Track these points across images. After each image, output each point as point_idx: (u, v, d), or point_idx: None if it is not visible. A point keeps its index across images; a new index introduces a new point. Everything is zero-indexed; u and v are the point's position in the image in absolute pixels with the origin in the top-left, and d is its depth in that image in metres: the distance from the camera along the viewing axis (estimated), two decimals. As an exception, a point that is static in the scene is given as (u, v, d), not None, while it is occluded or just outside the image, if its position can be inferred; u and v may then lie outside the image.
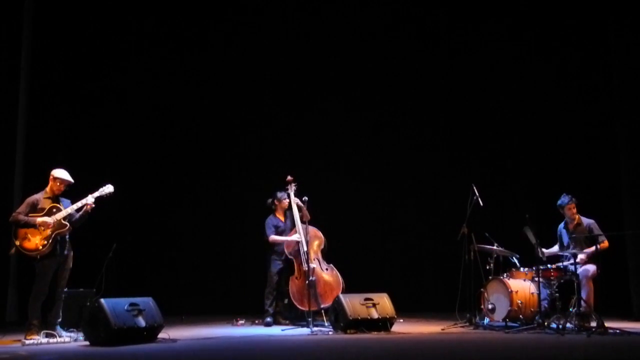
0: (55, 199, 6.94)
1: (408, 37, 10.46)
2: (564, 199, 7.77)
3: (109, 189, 7.00)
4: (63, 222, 6.82)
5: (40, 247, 6.71)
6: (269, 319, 8.09)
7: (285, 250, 8.10)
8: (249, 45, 10.51)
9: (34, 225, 6.71)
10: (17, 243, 6.72)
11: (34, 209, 6.84)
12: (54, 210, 6.84)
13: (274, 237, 8.18)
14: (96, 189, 6.97)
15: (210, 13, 10.48)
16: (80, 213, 6.92)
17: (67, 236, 6.92)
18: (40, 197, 6.91)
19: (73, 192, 7.13)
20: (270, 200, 8.43)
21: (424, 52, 10.42)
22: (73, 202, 6.98)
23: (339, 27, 10.45)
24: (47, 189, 6.96)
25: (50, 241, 6.73)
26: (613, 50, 9.36)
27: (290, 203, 8.25)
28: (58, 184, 6.91)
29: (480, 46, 10.28)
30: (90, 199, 6.85)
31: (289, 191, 8.25)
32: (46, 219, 6.76)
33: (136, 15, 10.28)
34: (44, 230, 6.72)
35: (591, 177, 9.40)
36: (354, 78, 10.42)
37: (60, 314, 6.91)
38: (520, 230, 7.63)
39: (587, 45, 9.83)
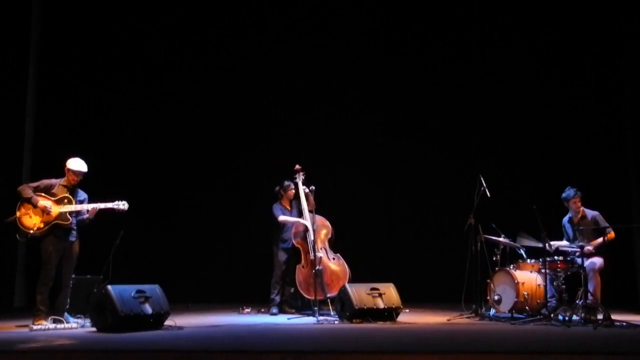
0: (72, 189, 6.94)
1: (415, 34, 10.41)
2: (569, 192, 7.73)
3: (124, 205, 6.92)
4: (68, 215, 6.83)
5: (35, 229, 6.71)
6: (274, 308, 8.10)
7: (292, 239, 8.11)
8: (257, 40, 10.50)
9: (33, 204, 6.72)
10: (17, 215, 6.73)
11: (47, 191, 6.85)
12: (65, 200, 6.84)
13: (283, 218, 8.17)
14: (107, 196, 6.96)
15: (218, 12, 10.45)
16: (84, 217, 6.93)
17: (74, 224, 6.94)
18: (57, 183, 6.92)
19: (85, 184, 7.14)
20: (277, 189, 8.45)
21: (431, 47, 10.37)
22: (89, 196, 7.01)
23: (349, 24, 10.42)
24: (66, 177, 6.97)
25: (47, 227, 6.73)
26: (623, 41, 9.30)
27: (297, 192, 8.26)
28: (72, 175, 6.91)
29: (487, 41, 10.24)
30: (94, 206, 6.83)
31: (297, 180, 8.24)
32: (47, 204, 6.75)
33: (145, 13, 10.29)
34: (46, 214, 6.73)
35: (599, 169, 9.37)
36: (361, 71, 10.41)
37: (68, 300, 6.94)
38: (517, 236, 7.68)
39: (596, 37, 9.77)
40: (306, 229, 7.97)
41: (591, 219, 7.66)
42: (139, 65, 10.30)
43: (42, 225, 6.73)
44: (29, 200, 6.74)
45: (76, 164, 6.93)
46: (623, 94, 9.31)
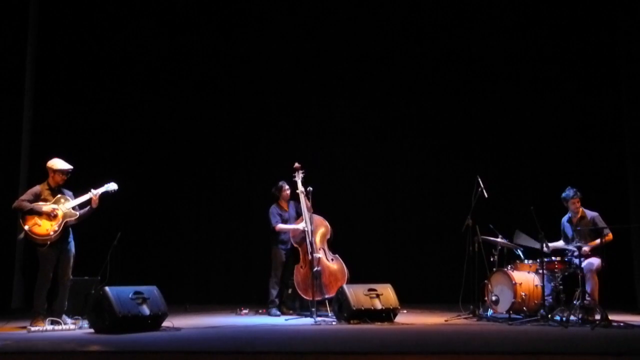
0: (57, 190, 6.95)
1: (414, 32, 10.39)
2: (569, 192, 7.74)
3: (112, 186, 7.03)
4: (72, 211, 6.86)
5: (51, 234, 6.72)
6: (275, 309, 8.09)
7: (291, 239, 8.10)
8: (254, 35, 10.47)
9: (38, 213, 6.72)
10: (27, 228, 6.71)
11: (37, 198, 6.86)
12: (62, 200, 6.86)
13: (280, 226, 8.17)
14: (100, 184, 7.01)
15: (214, 8, 10.44)
16: (86, 209, 6.95)
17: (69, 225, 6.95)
18: (42, 189, 6.93)
19: (77, 183, 7.14)
20: (272, 190, 8.43)
21: (429, 44, 10.35)
22: (75, 194, 7.01)
23: (347, 19, 10.39)
24: (49, 181, 6.96)
25: (60, 228, 6.76)
26: (620, 40, 9.32)
27: (292, 191, 8.24)
28: (59, 175, 6.91)
29: (484, 38, 10.21)
30: (94, 192, 6.87)
31: (296, 178, 8.21)
32: (54, 206, 6.78)
33: (142, 10, 10.27)
34: (53, 217, 6.74)
35: (597, 170, 9.37)
36: (360, 70, 10.38)
37: (66, 302, 6.94)
38: (514, 234, 7.69)
39: (593, 35, 9.77)
40: (304, 230, 7.96)
41: (590, 219, 7.67)
42: (136, 66, 10.26)
43: (56, 228, 6.75)
44: (31, 212, 6.74)
45: (61, 163, 6.95)
46: (621, 94, 9.31)
